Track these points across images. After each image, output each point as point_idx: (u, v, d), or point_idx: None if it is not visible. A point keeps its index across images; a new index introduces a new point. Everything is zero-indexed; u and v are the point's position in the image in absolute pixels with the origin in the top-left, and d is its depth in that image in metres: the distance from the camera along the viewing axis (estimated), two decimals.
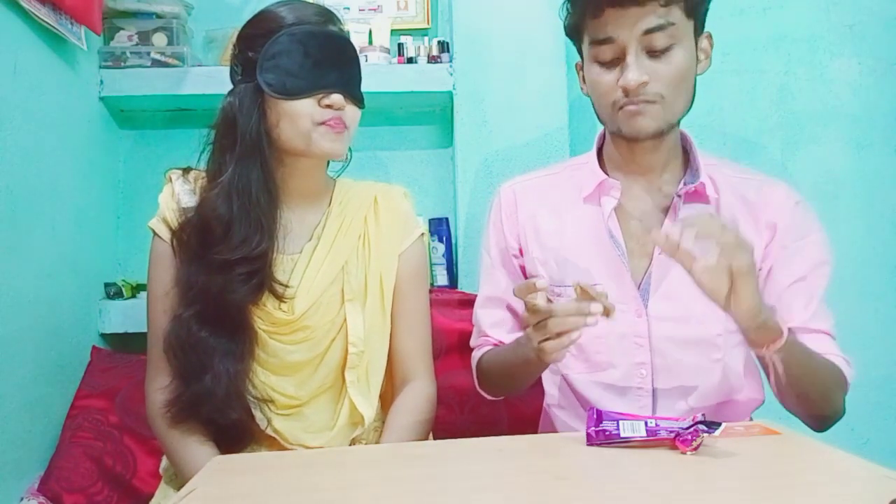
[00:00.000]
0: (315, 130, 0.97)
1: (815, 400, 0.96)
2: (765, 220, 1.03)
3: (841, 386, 1.00)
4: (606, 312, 0.84)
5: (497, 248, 1.15)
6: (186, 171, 1.05)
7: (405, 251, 1.10)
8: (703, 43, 1.01)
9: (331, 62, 0.97)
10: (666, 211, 1.04)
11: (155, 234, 1.03)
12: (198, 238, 0.98)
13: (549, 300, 0.86)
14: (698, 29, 0.99)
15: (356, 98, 1.01)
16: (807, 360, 0.93)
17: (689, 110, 1.02)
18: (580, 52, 1.06)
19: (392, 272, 1.08)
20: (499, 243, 1.15)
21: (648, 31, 0.93)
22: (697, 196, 1.04)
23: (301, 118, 0.97)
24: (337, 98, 0.97)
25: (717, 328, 1.02)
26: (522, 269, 1.14)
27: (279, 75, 0.95)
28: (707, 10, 1.00)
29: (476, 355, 1.16)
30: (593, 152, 1.10)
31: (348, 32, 1.05)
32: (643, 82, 0.94)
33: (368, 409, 1.04)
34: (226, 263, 0.95)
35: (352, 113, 1.01)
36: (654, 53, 0.95)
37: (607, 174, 1.06)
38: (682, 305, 1.02)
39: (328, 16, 1.01)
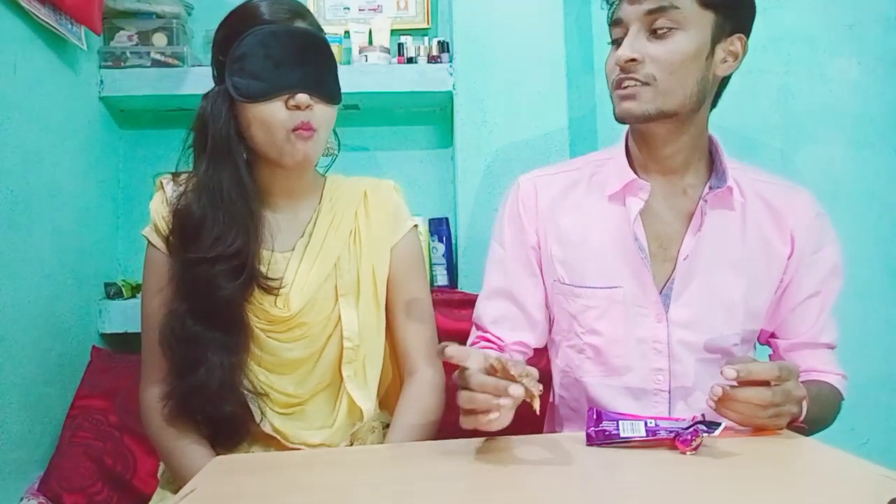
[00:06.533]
0: (288, 140, 0.95)
1: (814, 429, 0.96)
2: (788, 229, 1.03)
3: (838, 407, 1.03)
4: (530, 396, 0.72)
5: (513, 239, 1.11)
6: (176, 175, 1.04)
7: (397, 244, 1.09)
8: (735, 45, 0.99)
9: (294, 61, 0.94)
10: (690, 216, 1.02)
11: (148, 242, 1.04)
12: (177, 237, 0.99)
13: (493, 368, 0.74)
14: (725, 27, 0.96)
15: (326, 95, 0.98)
16: (818, 410, 0.93)
17: (698, 106, 0.98)
18: None
19: (384, 266, 1.07)
20: (516, 234, 1.10)
21: (650, 12, 0.94)
22: (723, 201, 1.02)
23: (275, 127, 0.95)
24: (302, 98, 0.94)
25: (734, 338, 1.02)
26: (539, 264, 1.10)
27: (245, 78, 0.94)
28: (743, 13, 0.98)
29: None
30: (621, 148, 1.07)
31: (320, 27, 1.02)
32: (632, 59, 0.95)
33: (367, 402, 1.04)
34: (205, 261, 0.95)
35: (322, 112, 0.97)
36: (654, 35, 0.95)
37: (633, 172, 1.04)
38: (702, 313, 1.01)
39: (297, 12, 0.98)
